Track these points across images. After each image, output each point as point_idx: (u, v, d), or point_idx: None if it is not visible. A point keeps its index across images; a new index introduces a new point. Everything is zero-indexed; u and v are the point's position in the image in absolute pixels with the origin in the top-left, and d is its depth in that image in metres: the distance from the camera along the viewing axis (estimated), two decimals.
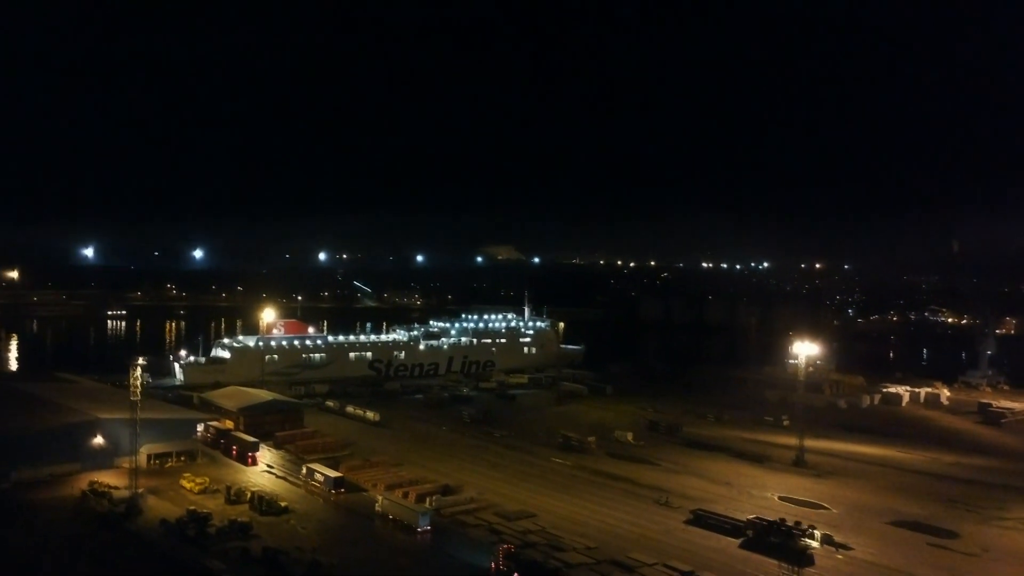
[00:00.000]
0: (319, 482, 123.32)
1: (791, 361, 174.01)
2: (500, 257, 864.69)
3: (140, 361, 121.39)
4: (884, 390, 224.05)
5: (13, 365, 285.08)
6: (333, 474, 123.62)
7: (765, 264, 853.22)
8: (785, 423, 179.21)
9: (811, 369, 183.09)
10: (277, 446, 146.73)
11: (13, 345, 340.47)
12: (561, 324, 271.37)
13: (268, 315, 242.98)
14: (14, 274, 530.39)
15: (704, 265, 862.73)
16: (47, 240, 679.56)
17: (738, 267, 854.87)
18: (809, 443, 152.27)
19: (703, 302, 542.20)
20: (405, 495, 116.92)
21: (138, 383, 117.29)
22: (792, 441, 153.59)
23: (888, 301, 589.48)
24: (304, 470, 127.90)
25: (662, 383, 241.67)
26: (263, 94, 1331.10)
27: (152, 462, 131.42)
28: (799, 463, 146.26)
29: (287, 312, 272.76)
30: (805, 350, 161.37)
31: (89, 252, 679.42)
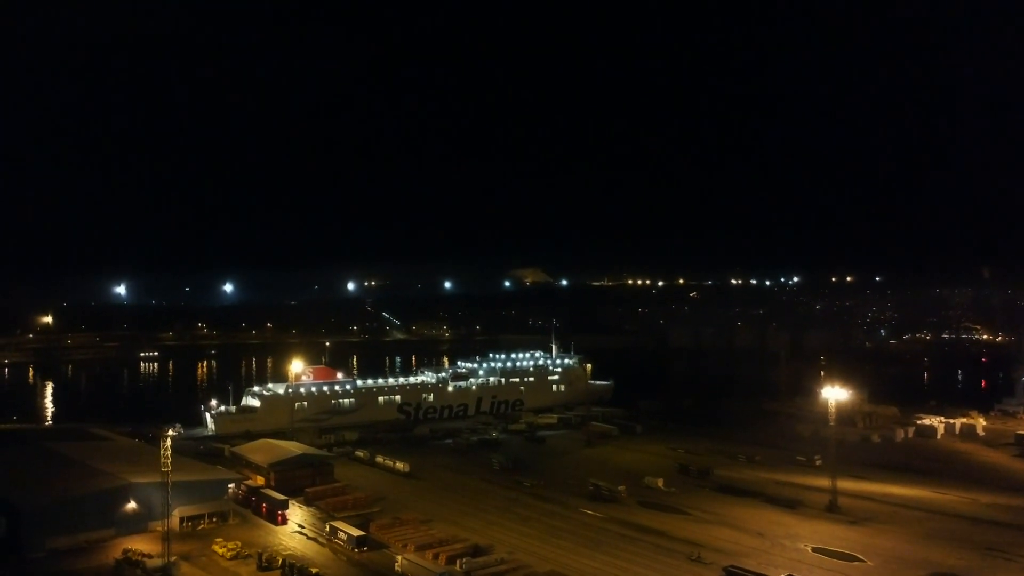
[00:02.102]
0: (342, 540, 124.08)
1: (822, 392, 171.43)
2: (527, 281, 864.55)
3: (170, 432, 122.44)
4: (918, 422, 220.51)
5: (48, 415, 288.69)
6: (356, 532, 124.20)
7: (795, 279, 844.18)
8: (817, 463, 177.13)
9: (844, 400, 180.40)
10: (307, 503, 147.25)
11: (48, 393, 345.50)
12: (588, 365, 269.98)
13: (296, 365, 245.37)
14: (48, 319, 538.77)
15: (733, 282, 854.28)
16: (79, 276, 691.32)
17: (767, 283, 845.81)
18: (842, 484, 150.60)
19: (732, 329, 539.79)
20: (436, 556, 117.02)
21: (168, 453, 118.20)
22: (825, 483, 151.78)
23: (921, 318, 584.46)
24: (328, 528, 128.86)
25: (692, 419, 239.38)
26: (291, 127, 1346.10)
27: (185, 525, 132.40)
28: (832, 508, 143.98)
29: (315, 356, 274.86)
30: (834, 395, 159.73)
31: (121, 290, 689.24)
